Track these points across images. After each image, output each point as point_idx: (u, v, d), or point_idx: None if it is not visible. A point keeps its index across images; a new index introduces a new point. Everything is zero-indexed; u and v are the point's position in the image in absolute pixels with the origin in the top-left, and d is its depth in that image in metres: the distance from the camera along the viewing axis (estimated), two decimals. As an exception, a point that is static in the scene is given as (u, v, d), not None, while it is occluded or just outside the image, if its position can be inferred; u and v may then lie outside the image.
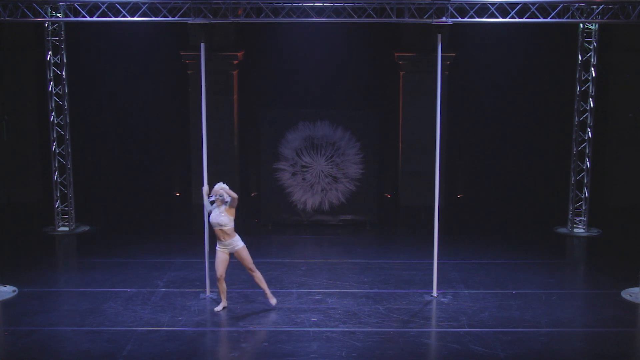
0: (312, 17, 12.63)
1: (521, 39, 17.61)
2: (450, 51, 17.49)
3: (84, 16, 12.69)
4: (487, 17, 12.51)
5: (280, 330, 11.31)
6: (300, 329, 11.22)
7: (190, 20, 12.43)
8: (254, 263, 11.77)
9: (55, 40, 15.65)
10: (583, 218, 16.15)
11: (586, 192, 16.06)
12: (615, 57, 17.53)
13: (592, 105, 15.73)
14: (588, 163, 15.98)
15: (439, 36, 12.31)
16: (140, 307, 12.01)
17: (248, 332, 11.15)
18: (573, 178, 16.16)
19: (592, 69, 15.63)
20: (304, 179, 16.60)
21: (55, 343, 10.80)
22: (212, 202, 11.62)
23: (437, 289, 12.51)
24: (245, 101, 18.70)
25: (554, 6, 12.50)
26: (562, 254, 15.32)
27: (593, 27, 15.42)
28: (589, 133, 15.87)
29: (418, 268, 13.75)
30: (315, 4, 12.56)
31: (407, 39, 17.96)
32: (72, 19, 12.91)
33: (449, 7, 12.28)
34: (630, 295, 12.43)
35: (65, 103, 15.97)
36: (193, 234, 15.80)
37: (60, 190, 16.30)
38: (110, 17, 12.62)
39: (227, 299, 12.01)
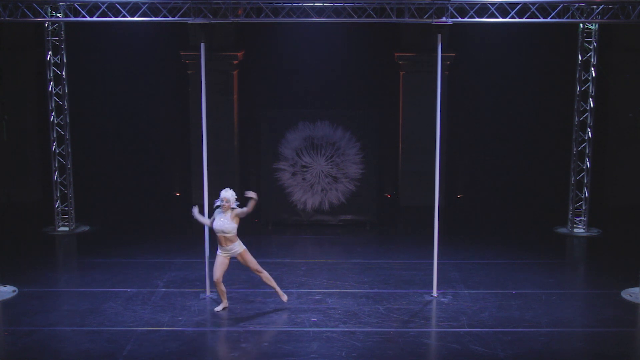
0: (312, 17, 12.63)
1: (521, 39, 17.62)
2: (450, 51, 17.49)
3: (84, 16, 12.69)
4: (487, 17, 12.51)
5: (280, 330, 11.31)
6: (300, 329, 11.22)
7: (190, 20, 12.43)
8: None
9: (55, 40, 15.65)
10: (583, 218, 16.15)
11: (586, 192, 16.06)
12: (615, 57, 17.53)
13: (592, 105, 15.73)
14: (588, 163, 15.98)
15: (439, 36, 12.31)
16: (140, 307, 12.01)
17: (248, 332, 11.16)
18: (573, 178, 16.16)
19: (592, 69, 15.63)
20: (304, 179, 16.60)
21: (55, 343, 10.80)
22: (216, 207, 11.58)
23: (437, 289, 12.52)
24: (245, 101, 18.70)
25: (554, 6, 12.50)
26: (562, 254, 15.32)
27: (593, 27, 15.42)
28: (589, 133, 15.87)
29: (418, 268, 13.76)
30: (315, 4, 12.56)
31: (407, 39, 17.96)
32: (72, 19, 12.91)
33: (449, 7, 12.28)
34: (630, 295, 12.43)
35: (65, 103, 15.97)
36: (193, 234, 15.80)
37: (60, 190, 16.30)
38: (110, 17, 12.62)
39: (227, 299, 12.01)
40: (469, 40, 17.55)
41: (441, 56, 12.30)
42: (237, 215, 11.50)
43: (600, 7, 12.61)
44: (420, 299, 12.40)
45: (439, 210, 12.46)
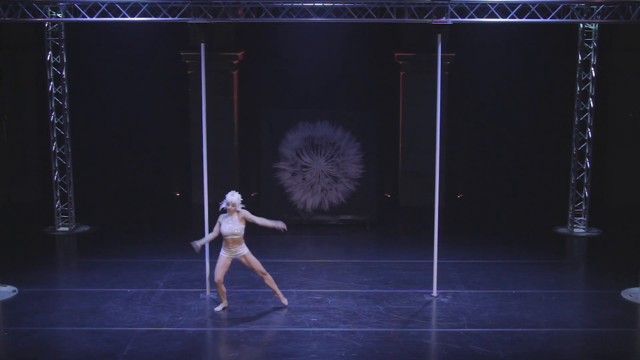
0: (312, 17, 12.63)
1: (521, 39, 17.62)
2: (450, 51, 17.49)
3: (84, 16, 12.70)
4: (487, 17, 12.51)
5: (280, 330, 11.31)
6: (300, 329, 11.22)
7: (190, 20, 12.43)
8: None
9: (55, 40, 15.65)
10: (583, 218, 16.15)
11: (586, 192, 16.06)
12: (615, 57, 17.54)
13: (592, 105, 15.73)
14: (588, 163, 15.98)
15: (439, 36, 12.31)
16: (140, 307, 12.01)
17: (248, 332, 11.15)
18: (573, 178, 16.16)
19: (592, 69, 15.63)
20: (304, 179, 16.60)
21: (55, 343, 10.80)
22: (222, 210, 11.57)
23: (437, 289, 12.52)
24: (245, 101, 18.71)
25: (554, 6, 12.50)
26: (562, 254, 15.32)
27: (593, 27, 15.42)
28: (589, 133, 15.87)
29: (418, 268, 13.76)
30: (315, 4, 12.56)
31: (407, 39, 17.97)
32: (72, 19, 12.91)
33: (449, 7, 12.28)
34: (630, 295, 12.43)
35: (65, 103, 15.97)
36: (193, 234, 15.79)
37: (60, 190, 16.30)
38: (110, 17, 12.62)
39: (227, 299, 12.01)
40: (469, 40, 17.55)
41: (441, 56, 12.30)
42: (244, 217, 11.52)
43: (600, 7, 12.61)
44: (420, 299, 12.40)
45: (439, 210, 12.45)
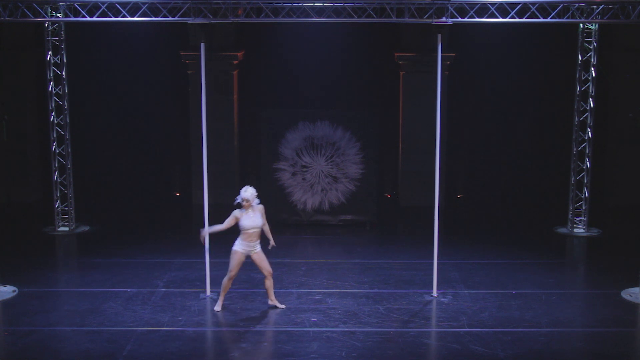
0: (312, 17, 12.62)
1: (521, 39, 17.61)
2: (450, 51, 17.49)
3: (84, 16, 12.69)
4: (487, 17, 12.51)
5: (280, 330, 11.31)
6: (300, 329, 11.22)
7: (190, 20, 12.42)
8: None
9: (55, 40, 15.65)
10: (583, 218, 16.15)
11: (586, 192, 16.06)
12: (615, 57, 17.53)
13: (592, 105, 15.73)
14: (588, 163, 15.98)
15: (439, 36, 12.31)
16: (140, 307, 12.01)
17: (248, 332, 11.15)
18: (573, 178, 16.15)
19: (592, 69, 15.63)
20: (304, 179, 16.60)
21: (55, 343, 10.80)
22: (238, 205, 11.53)
23: (437, 289, 12.51)
24: (245, 101, 18.70)
25: (554, 6, 12.50)
26: (562, 254, 15.32)
27: (593, 27, 15.42)
28: (589, 133, 15.87)
29: (418, 268, 13.75)
30: (315, 4, 12.56)
31: (407, 39, 17.96)
32: (72, 19, 12.91)
33: (449, 7, 12.27)
34: (630, 295, 12.43)
35: (65, 103, 15.97)
36: (193, 234, 15.80)
37: (60, 190, 16.30)
38: (110, 17, 12.62)
39: (227, 299, 12.01)
40: (469, 40, 17.55)
41: (441, 56, 12.30)
42: (260, 211, 11.56)
43: (600, 7, 12.61)
44: (420, 299, 12.40)
45: (439, 210, 12.45)
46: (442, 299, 12.35)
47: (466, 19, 12.44)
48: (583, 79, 15.72)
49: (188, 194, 18.55)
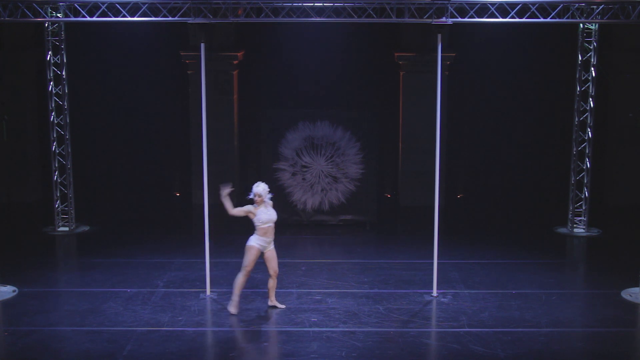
0: (312, 17, 12.62)
1: (521, 39, 17.61)
2: (450, 51, 17.49)
3: (84, 16, 12.69)
4: (487, 17, 12.51)
5: (280, 330, 11.31)
6: (300, 329, 11.22)
7: (190, 20, 12.42)
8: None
9: (55, 40, 15.65)
10: (583, 218, 16.15)
11: (586, 192, 16.06)
12: (615, 57, 17.53)
13: (592, 105, 15.73)
14: (588, 163, 15.98)
15: (439, 36, 12.31)
16: (140, 307, 12.00)
17: (248, 332, 11.15)
18: (573, 178, 16.16)
19: (592, 69, 15.63)
20: (304, 179, 16.60)
21: (55, 343, 10.80)
22: (250, 201, 11.52)
23: (437, 289, 12.51)
24: (245, 101, 18.70)
25: (554, 6, 12.50)
26: (562, 254, 15.32)
27: (593, 27, 15.42)
28: (589, 133, 15.87)
29: (418, 268, 13.75)
30: (315, 4, 12.56)
31: (407, 39, 17.96)
32: (72, 19, 12.90)
33: (449, 7, 12.27)
34: (630, 295, 12.43)
35: (65, 103, 15.97)
36: (193, 234, 15.81)
37: (60, 190, 16.30)
38: (110, 17, 12.61)
39: (228, 298, 12.00)
40: (469, 40, 17.55)
41: (441, 56, 12.30)
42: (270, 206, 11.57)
43: (600, 7, 12.61)
44: (420, 299, 12.40)
45: (439, 210, 12.45)
46: (442, 299, 12.34)
47: (466, 19, 12.44)
48: (583, 79, 15.72)
49: (188, 194, 18.55)
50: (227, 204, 11.38)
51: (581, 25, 15.41)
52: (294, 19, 12.71)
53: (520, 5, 12.42)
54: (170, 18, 12.61)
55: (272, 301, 11.93)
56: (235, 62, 18.18)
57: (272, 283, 11.86)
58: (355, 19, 12.71)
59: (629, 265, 13.24)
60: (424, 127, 17.20)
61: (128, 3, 12.49)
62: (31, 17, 12.80)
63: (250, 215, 11.44)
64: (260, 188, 11.45)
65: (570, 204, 16.18)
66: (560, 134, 17.69)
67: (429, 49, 16.83)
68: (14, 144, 17.99)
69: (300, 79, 18.39)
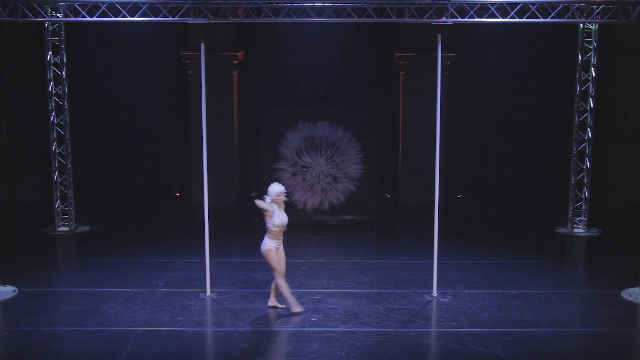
0: (312, 17, 12.62)
1: (521, 39, 17.61)
2: (450, 51, 17.49)
3: (84, 16, 12.69)
4: (487, 17, 12.51)
5: (280, 330, 11.31)
6: (300, 329, 11.22)
7: (190, 20, 12.42)
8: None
9: (55, 40, 15.65)
10: (583, 218, 16.15)
11: (586, 192, 16.06)
12: (615, 57, 17.53)
13: (592, 105, 15.73)
14: (588, 163, 15.98)
15: (439, 36, 12.31)
16: (140, 307, 12.00)
17: (248, 332, 11.15)
18: (573, 178, 16.16)
19: (592, 69, 15.63)
20: (304, 179, 16.60)
21: (55, 343, 10.80)
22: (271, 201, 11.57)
23: (437, 289, 12.51)
24: (245, 101, 18.70)
25: (554, 6, 12.50)
26: (562, 254, 15.32)
27: (593, 27, 15.42)
28: (589, 133, 15.87)
29: (418, 268, 13.75)
30: (315, 4, 12.56)
31: (407, 39, 17.96)
32: (72, 19, 12.91)
33: (449, 7, 12.27)
34: (630, 295, 12.43)
35: (65, 103, 15.97)
36: (193, 234, 15.80)
37: (60, 190, 16.30)
38: (110, 17, 12.61)
39: (227, 299, 12.01)
40: (469, 40, 17.54)
41: (441, 56, 12.30)
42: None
43: (600, 7, 12.61)
44: (420, 299, 12.40)
45: (439, 210, 12.45)
46: (442, 299, 12.34)
47: (466, 19, 12.44)
48: (583, 79, 15.72)
49: (188, 194, 18.55)
50: (263, 205, 11.51)
51: (581, 25, 15.41)
52: (294, 19, 12.71)
53: (520, 5, 12.42)
54: (170, 18, 12.61)
55: (273, 301, 11.93)
56: (235, 62, 18.18)
57: (275, 285, 11.86)
58: (355, 19, 12.71)
59: (629, 265, 13.24)
60: (424, 127, 17.20)
61: (128, 3, 12.49)
62: (31, 17, 12.80)
63: (267, 215, 11.52)
64: (282, 187, 11.58)
65: (570, 204, 16.18)
66: (560, 134, 17.68)
67: (429, 49, 16.83)
68: (14, 144, 17.99)
69: (300, 79, 18.38)
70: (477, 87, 18.67)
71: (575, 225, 16.16)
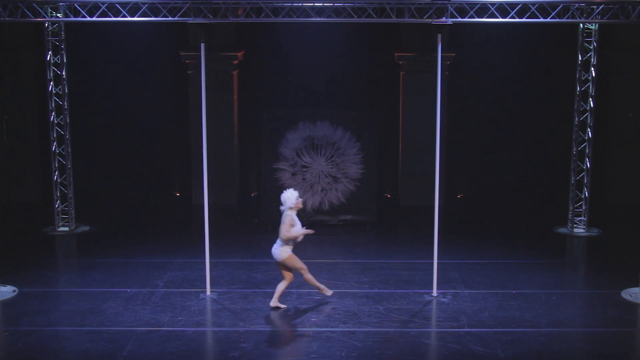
0: (312, 17, 12.62)
1: (521, 39, 17.61)
2: (450, 51, 17.49)
3: (84, 16, 12.69)
4: (487, 17, 12.51)
5: (280, 330, 11.31)
6: (300, 329, 11.22)
7: (190, 20, 12.42)
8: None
9: (55, 40, 15.65)
10: (583, 218, 16.15)
11: (586, 192, 16.06)
12: (615, 57, 17.53)
13: (592, 105, 15.73)
14: (588, 163, 15.98)
15: (439, 36, 12.31)
16: (140, 307, 12.00)
17: (248, 332, 11.15)
18: (573, 178, 16.16)
19: (592, 69, 15.63)
20: (304, 179, 16.60)
21: (55, 343, 10.80)
22: (288, 210, 11.65)
23: (437, 289, 12.51)
24: (245, 101, 18.70)
25: (554, 6, 12.50)
26: (562, 254, 15.32)
27: (593, 27, 15.42)
28: (589, 133, 15.87)
29: (418, 268, 13.75)
30: (315, 4, 12.56)
31: (407, 39, 17.96)
32: (72, 19, 12.90)
33: (449, 7, 12.27)
34: (630, 295, 12.43)
35: (65, 103, 15.97)
36: (193, 234, 15.80)
37: (60, 190, 16.30)
38: (110, 17, 12.61)
39: (227, 299, 12.01)
40: (469, 40, 17.54)
41: (441, 56, 12.29)
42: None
43: (600, 7, 12.61)
44: (420, 299, 12.40)
45: (439, 210, 12.45)
46: (442, 299, 12.34)
47: (466, 19, 12.44)
48: (583, 79, 15.72)
49: (188, 194, 18.55)
50: (297, 234, 11.68)
51: (581, 25, 15.41)
52: (294, 19, 12.71)
53: (520, 5, 12.42)
54: (170, 18, 12.61)
55: (275, 302, 11.92)
56: (235, 62, 18.19)
57: (283, 286, 11.88)
58: (355, 19, 12.71)
59: (629, 265, 13.24)
60: (424, 127, 17.20)
61: (128, 3, 12.49)
62: (31, 17, 12.80)
63: (289, 226, 11.62)
64: (297, 193, 11.67)
65: (570, 204, 16.18)
66: (560, 134, 17.68)
67: (429, 49, 16.84)
68: (14, 144, 17.99)
69: (300, 79, 18.38)
70: (477, 87, 18.67)
71: (575, 225, 16.16)
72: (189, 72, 18.05)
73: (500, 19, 12.48)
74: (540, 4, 12.41)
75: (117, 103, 18.87)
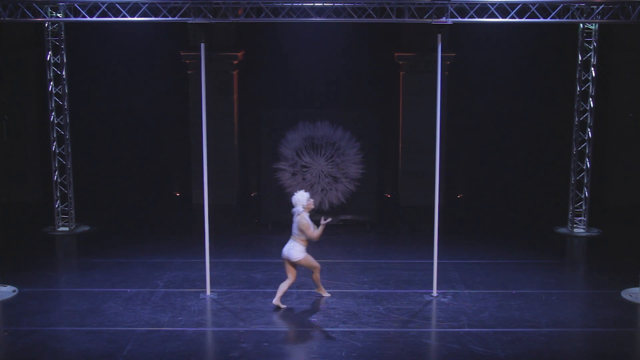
0: (312, 17, 12.62)
1: (521, 39, 17.60)
2: (450, 51, 17.48)
3: (84, 16, 12.69)
4: (487, 17, 12.51)
5: (280, 330, 11.31)
6: (300, 329, 11.22)
7: (190, 20, 12.42)
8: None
9: (55, 40, 15.65)
10: (583, 218, 16.15)
11: (586, 192, 16.06)
12: (615, 57, 17.53)
13: (592, 105, 15.73)
14: (588, 163, 15.98)
15: (439, 36, 12.31)
16: (140, 307, 12.01)
17: (248, 332, 11.15)
18: (573, 178, 16.16)
19: (592, 69, 15.63)
20: (304, 179, 16.60)
21: (55, 343, 10.80)
22: (302, 212, 11.81)
23: (437, 289, 12.51)
24: (245, 101, 18.70)
25: (554, 6, 12.50)
26: (562, 254, 15.32)
27: (593, 27, 15.42)
28: (589, 133, 15.87)
29: (418, 268, 13.75)
30: (315, 4, 12.56)
31: (407, 39, 17.96)
32: (72, 19, 12.90)
33: (449, 7, 12.27)
34: (630, 295, 12.43)
35: (65, 103, 15.97)
36: (193, 234, 15.80)
37: (60, 190, 16.30)
38: (110, 17, 12.62)
39: (227, 299, 12.01)
40: (469, 40, 17.53)
41: (441, 56, 12.29)
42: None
43: (600, 7, 12.61)
44: (420, 299, 12.40)
45: (439, 210, 12.45)
46: (442, 299, 12.34)
47: (466, 19, 12.44)
48: (583, 79, 15.72)
49: (188, 194, 18.54)
50: (321, 230, 11.82)
51: (581, 25, 15.41)
52: (294, 19, 12.71)
53: (520, 5, 12.42)
54: (170, 18, 12.61)
55: (277, 301, 11.92)
56: (235, 62, 18.18)
57: (286, 286, 11.88)
58: (355, 19, 12.71)
59: (629, 265, 13.25)
60: (424, 127, 17.19)
61: (128, 3, 12.49)
62: (31, 17, 12.80)
63: (307, 228, 11.82)
64: (307, 194, 11.92)
65: (570, 204, 16.18)
66: (560, 134, 17.67)
67: (429, 49, 16.83)
68: (14, 144, 17.98)
69: (300, 79, 18.38)
70: (477, 87, 18.67)
71: (575, 225, 16.16)
72: (189, 72, 18.04)
73: (500, 19, 12.48)
74: (540, 4, 12.41)
75: (117, 103, 18.86)
